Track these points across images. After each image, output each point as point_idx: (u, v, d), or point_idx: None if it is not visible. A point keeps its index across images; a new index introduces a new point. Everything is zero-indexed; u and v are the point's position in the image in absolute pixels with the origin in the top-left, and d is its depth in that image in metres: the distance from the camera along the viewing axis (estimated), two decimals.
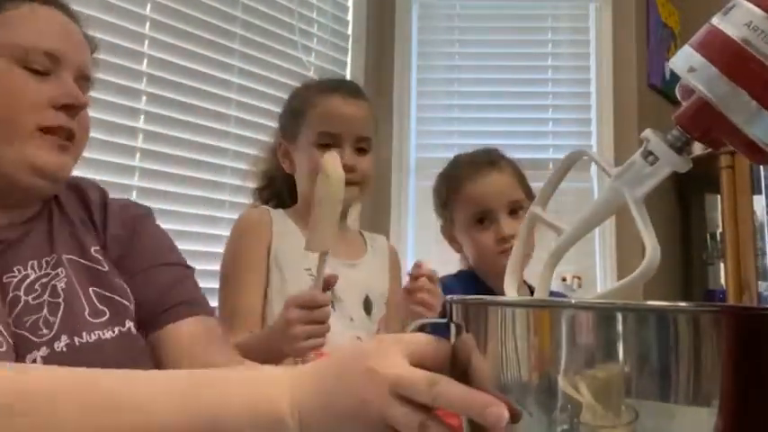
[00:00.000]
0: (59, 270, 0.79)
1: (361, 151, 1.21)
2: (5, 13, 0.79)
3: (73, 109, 0.79)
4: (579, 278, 2.23)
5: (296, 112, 1.24)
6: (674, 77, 0.56)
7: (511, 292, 0.67)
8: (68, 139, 0.80)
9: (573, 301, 0.49)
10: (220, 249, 1.89)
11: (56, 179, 0.80)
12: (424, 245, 2.41)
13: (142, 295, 0.85)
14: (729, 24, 0.51)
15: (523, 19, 2.58)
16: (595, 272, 2.34)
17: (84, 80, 0.84)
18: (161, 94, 1.78)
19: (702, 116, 0.53)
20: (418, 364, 0.46)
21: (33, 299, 0.76)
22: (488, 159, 1.30)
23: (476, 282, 1.31)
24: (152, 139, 1.75)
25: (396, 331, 1.21)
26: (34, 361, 0.71)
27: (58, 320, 0.75)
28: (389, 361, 0.46)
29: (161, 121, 1.78)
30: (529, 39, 2.57)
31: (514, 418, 0.44)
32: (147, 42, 1.76)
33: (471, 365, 0.48)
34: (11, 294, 0.75)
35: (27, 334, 0.73)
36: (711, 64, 0.51)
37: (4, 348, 0.70)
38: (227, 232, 1.90)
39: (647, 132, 0.57)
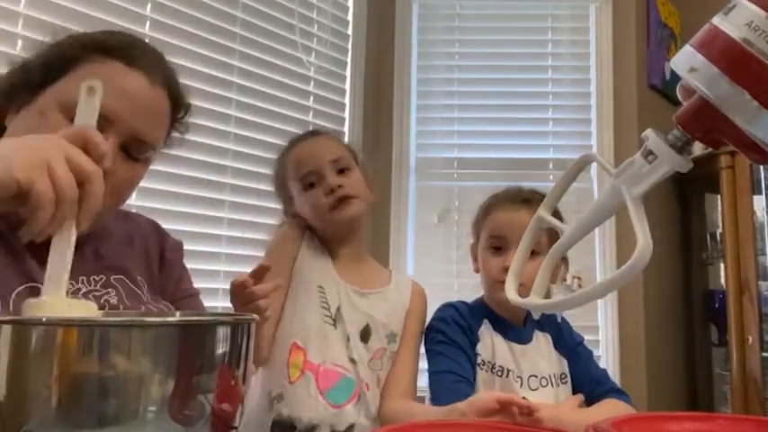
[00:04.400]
0: (109, 289, 0.84)
1: (342, 171, 1.28)
2: (85, 66, 0.80)
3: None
4: (579, 278, 2.22)
5: (280, 179, 1.34)
6: (674, 77, 0.56)
7: (511, 294, 0.67)
8: None
9: (44, 319, 0.50)
10: (220, 249, 1.90)
11: None
12: (423, 244, 2.41)
13: None
14: (730, 24, 0.51)
15: (523, 19, 2.58)
16: (595, 272, 2.34)
17: (138, 143, 0.83)
18: None
19: (703, 116, 0.53)
20: None
21: (96, 297, 0.80)
22: (525, 197, 1.34)
23: (487, 310, 1.34)
24: None
25: (401, 365, 1.28)
26: None
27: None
28: None
29: None
30: (529, 39, 2.57)
31: None
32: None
33: None
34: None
35: None
36: (712, 64, 0.51)
37: None
38: (226, 232, 1.92)
39: (648, 132, 0.57)
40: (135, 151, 0.83)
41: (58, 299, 0.57)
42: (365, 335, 1.25)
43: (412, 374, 1.29)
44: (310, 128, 2.18)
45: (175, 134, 0.94)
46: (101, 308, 0.78)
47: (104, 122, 0.77)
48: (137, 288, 0.88)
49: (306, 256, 1.29)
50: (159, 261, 0.97)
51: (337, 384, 1.20)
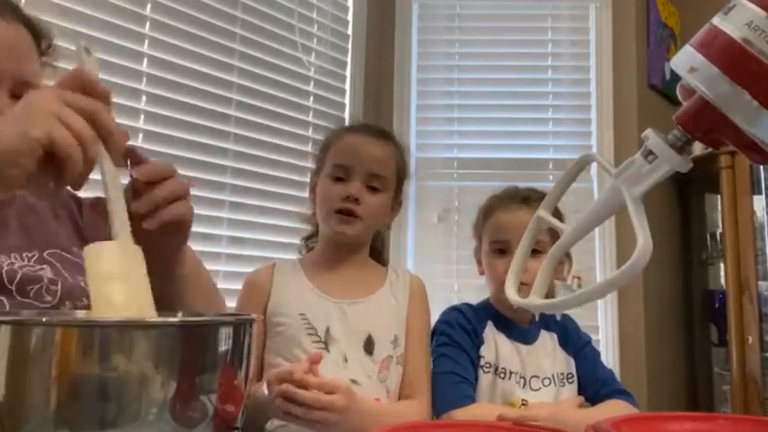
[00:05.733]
0: (44, 265, 0.82)
1: (372, 189, 1.22)
2: None
3: None
4: (579, 278, 2.23)
5: (323, 146, 1.28)
6: (674, 77, 0.56)
7: (511, 294, 0.67)
8: None
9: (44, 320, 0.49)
10: (220, 249, 1.90)
11: None
12: (423, 245, 2.41)
13: None
14: (730, 24, 0.51)
15: (523, 19, 2.57)
16: (595, 272, 2.34)
17: (26, 87, 0.81)
18: (161, 94, 1.78)
19: (703, 116, 0.53)
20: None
21: (32, 271, 0.79)
22: (524, 195, 1.32)
23: (492, 311, 1.34)
24: (152, 138, 1.75)
25: (417, 366, 1.22)
26: None
27: (59, 289, 0.79)
28: None
29: (161, 121, 1.78)
30: (529, 39, 2.57)
31: None
32: (146, 42, 1.76)
33: None
34: (6, 267, 0.78)
35: (33, 302, 0.77)
36: (712, 64, 0.51)
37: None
38: (226, 232, 1.92)
39: (648, 132, 0.57)
40: (19, 92, 0.80)
41: (127, 239, 0.60)
42: (369, 346, 1.18)
43: (426, 375, 1.23)
44: (310, 130, 2.19)
45: (48, 68, 0.90)
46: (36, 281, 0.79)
47: None
48: (75, 258, 0.86)
49: (279, 294, 1.22)
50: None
51: None
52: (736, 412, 2.17)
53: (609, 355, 2.32)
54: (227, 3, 1.97)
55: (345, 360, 1.15)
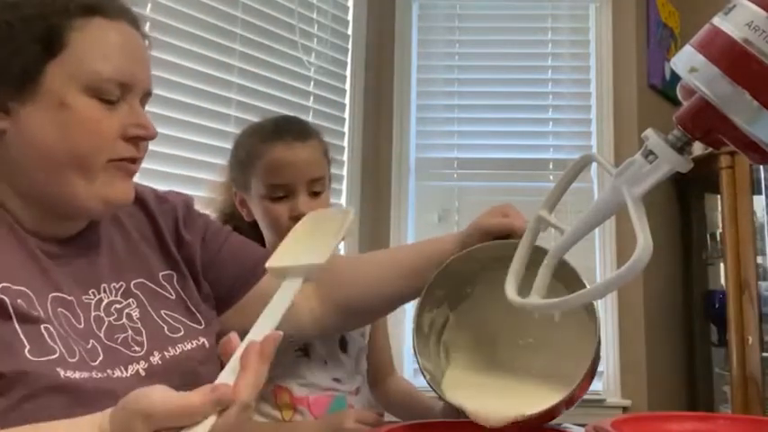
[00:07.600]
0: (130, 300, 0.80)
1: (315, 194, 1.17)
2: (73, 34, 0.72)
3: (144, 140, 0.78)
4: None
5: (243, 163, 1.19)
6: (674, 77, 0.56)
7: (511, 294, 0.67)
8: (133, 163, 0.78)
9: None
10: None
11: (123, 206, 0.81)
12: None
13: (224, 272, 0.92)
14: (730, 24, 0.51)
15: (523, 19, 2.57)
16: (595, 272, 2.34)
17: (147, 96, 0.80)
18: (161, 93, 1.78)
19: (703, 116, 0.53)
20: None
21: (115, 320, 0.77)
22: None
23: None
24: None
25: (387, 352, 1.37)
26: (137, 372, 0.74)
27: (145, 340, 0.78)
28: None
29: (161, 121, 1.77)
30: (529, 39, 2.57)
31: None
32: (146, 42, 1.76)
33: None
34: (93, 314, 0.76)
35: (122, 349, 0.75)
36: (712, 64, 0.51)
37: (98, 360, 0.72)
38: None
39: (648, 132, 0.57)
40: (143, 104, 0.80)
41: None
42: (343, 345, 1.20)
43: (390, 353, 1.39)
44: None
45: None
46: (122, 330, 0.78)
47: (124, 89, 0.75)
48: (159, 288, 0.85)
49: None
50: (176, 238, 0.91)
51: (331, 407, 1.16)
52: (736, 412, 2.17)
53: (609, 356, 2.32)
54: (227, 3, 1.97)
55: (326, 362, 1.17)
